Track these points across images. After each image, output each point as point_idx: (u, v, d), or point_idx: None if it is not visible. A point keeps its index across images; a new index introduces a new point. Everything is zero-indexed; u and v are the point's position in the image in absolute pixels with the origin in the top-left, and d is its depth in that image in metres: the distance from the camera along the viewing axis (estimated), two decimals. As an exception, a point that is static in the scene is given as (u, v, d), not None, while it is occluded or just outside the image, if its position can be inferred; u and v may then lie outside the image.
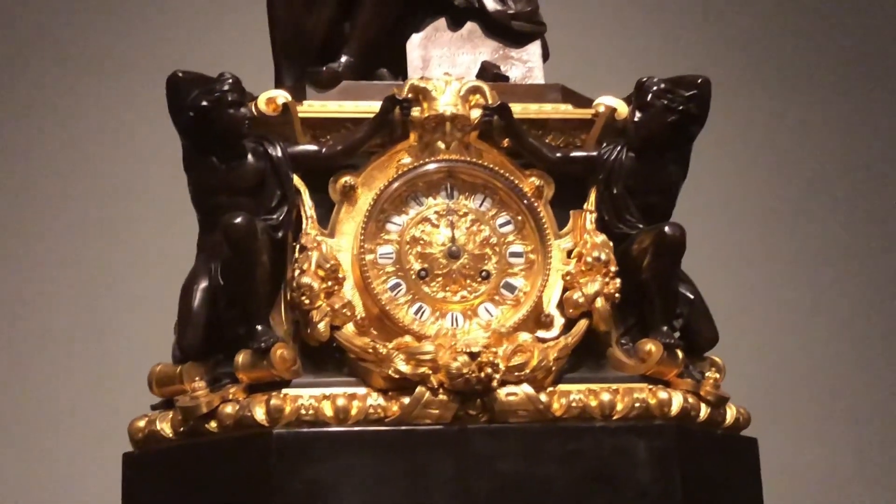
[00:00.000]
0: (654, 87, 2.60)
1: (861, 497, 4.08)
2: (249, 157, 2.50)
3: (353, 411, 2.36)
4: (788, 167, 4.62)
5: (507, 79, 2.75)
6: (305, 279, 2.42)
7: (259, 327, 2.41)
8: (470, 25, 2.83)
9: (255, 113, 2.53)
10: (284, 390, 2.38)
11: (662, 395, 2.47)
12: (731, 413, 2.60)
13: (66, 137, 4.18)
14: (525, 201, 2.55)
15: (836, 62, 4.76)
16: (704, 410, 2.52)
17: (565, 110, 2.66)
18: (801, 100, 4.67)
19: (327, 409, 2.35)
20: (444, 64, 2.77)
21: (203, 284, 2.49)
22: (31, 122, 4.22)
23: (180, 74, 2.51)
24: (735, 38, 4.68)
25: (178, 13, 4.33)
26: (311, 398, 2.36)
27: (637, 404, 2.45)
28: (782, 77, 4.68)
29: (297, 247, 2.49)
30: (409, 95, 2.56)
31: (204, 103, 2.47)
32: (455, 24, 2.83)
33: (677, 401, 2.48)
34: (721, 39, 4.62)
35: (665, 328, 2.55)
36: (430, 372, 2.38)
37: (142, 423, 2.53)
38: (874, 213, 4.72)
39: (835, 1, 4.82)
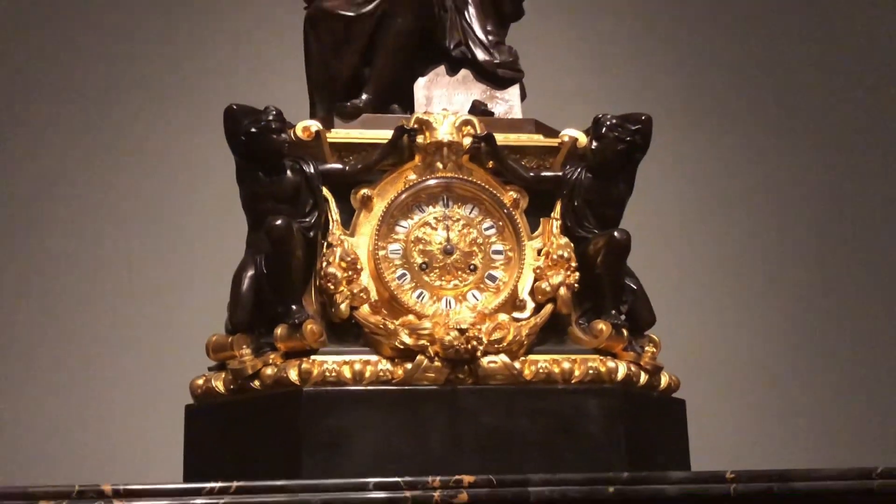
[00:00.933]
0: (608, 122, 2.62)
1: (777, 452, 4.08)
2: (288, 172, 2.51)
3: (367, 374, 2.40)
4: (717, 186, 4.63)
5: (492, 114, 2.76)
6: (331, 269, 2.45)
7: (294, 307, 2.44)
8: (464, 72, 2.83)
9: (293, 138, 2.54)
10: (313, 357, 2.41)
11: (611, 364, 2.49)
12: (665, 379, 2.63)
13: (150, 153, 4.25)
14: (505, 210, 2.57)
15: (755, 105, 4.78)
16: (643, 377, 2.55)
17: (537, 139, 2.68)
18: (731, 130, 4.70)
19: (346, 372, 2.39)
20: (444, 101, 2.77)
21: (250, 273, 2.51)
22: (126, 140, 4.29)
23: (234, 107, 2.53)
24: (675, 80, 4.70)
25: (234, 55, 4.35)
26: (333, 363, 2.39)
27: (591, 371, 2.47)
28: (715, 111, 4.71)
29: (325, 244, 2.51)
30: (415, 126, 2.58)
31: (253, 130, 2.49)
32: (452, 71, 2.83)
33: (622, 369, 2.50)
34: (665, 81, 4.63)
35: (614, 312, 2.56)
36: (428, 344, 2.41)
37: (200, 382, 2.56)
38: (783, 207, 4.72)
39: (761, 55, 4.82)
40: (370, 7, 2.76)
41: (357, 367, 2.40)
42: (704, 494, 2.24)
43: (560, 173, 2.63)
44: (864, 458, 2.85)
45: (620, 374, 2.50)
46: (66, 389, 3.99)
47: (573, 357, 2.50)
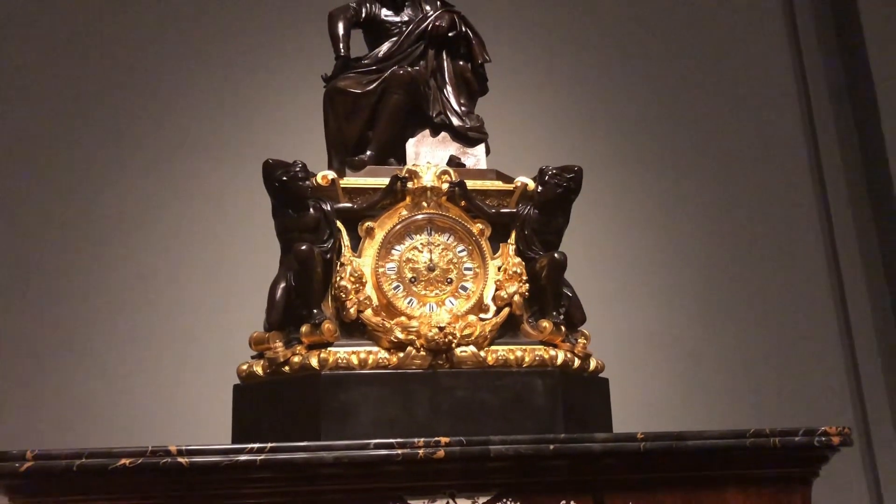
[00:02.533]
0: (549, 172, 2.61)
1: (687, 422, 4.06)
2: (311, 210, 2.49)
3: (370, 361, 2.38)
4: (632, 219, 4.65)
5: (464, 166, 2.75)
6: (343, 283, 2.45)
7: (315, 311, 2.41)
8: (443, 134, 2.81)
9: (315, 184, 2.52)
10: (329, 348, 2.39)
11: (552, 352, 2.48)
12: (593, 363, 2.61)
13: (210, 199, 4.21)
14: (474, 238, 2.57)
15: (687, 145, 4.78)
16: (577, 362, 2.54)
17: (498, 185, 2.66)
18: (642, 175, 4.70)
19: (354, 360, 2.37)
20: (428, 156, 2.76)
21: (282, 285, 2.47)
22: (189, 188, 4.23)
23: (270, 161, 2.50)
24: (607, 129, 4.69)
25: (271, 121, 4.35)
26: (345, 353, 2.37)
27: (537, 358, 2.46)
28: (650, 154, 4.71)
29: (339, 263, 2.49)
30: (406, 175, 2.56)
31: (284, 178, 2.47)
32: (434, 133, 2.82)
33: (561, 356, 2.49)
34: (593, 138, 4.65)
35: (554, 313, 2.55)
36: (415, 338, 2.40)
37: (245, 367, 2.53)
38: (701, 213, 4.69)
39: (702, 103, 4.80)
40: (373, 86, 2.78)
41: (362, 356, 2.39)
42: (621, 450, 2.25)
43: (515, 210, 2.62)
44: (742, 422, 2.84)
45: (559, 360, 2.49)
46: (146, 373, 3.95)
47: (524, 347, 2.49)
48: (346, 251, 2.52)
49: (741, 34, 4.88)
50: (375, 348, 2.42)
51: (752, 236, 4.66)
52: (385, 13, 2.95)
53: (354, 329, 2.45)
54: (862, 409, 4.40)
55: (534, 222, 2.61)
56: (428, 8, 2.95)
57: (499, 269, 2.58)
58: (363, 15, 2.93)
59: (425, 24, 2.89)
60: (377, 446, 2.14)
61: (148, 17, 4.33)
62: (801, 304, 4.60)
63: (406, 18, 2.94)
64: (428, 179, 2.58)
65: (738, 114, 4.82)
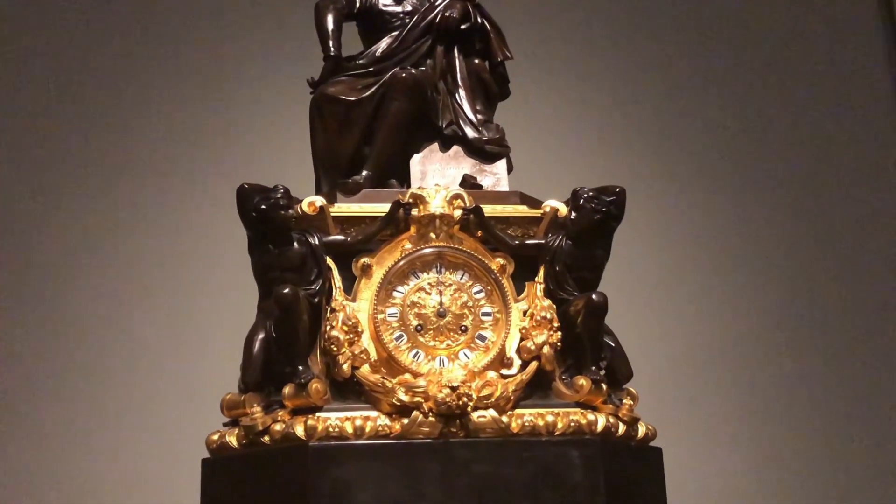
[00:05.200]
0: (585, 195, 2.63)
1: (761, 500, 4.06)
2: (295, 244, 2.52)
3: (367, 429, 2.39)
4: (687, 250, 4.65)
5: (481, 187, 2.77)
6: (334, 332, 2.46)
7: (300, 367, 2.44)
8: (455, 148, 2.85)
9: (300, 212, 2.55)
10: (318, 413, 2.41)
11: (591, 417, 2.48)
12: (642, 429, 2.61)
13: (169, 228, 4.32)
14: (493, 276, 2.58)
15: (729, 169, 4.82)
16: (622, 428, 2.54)
17: (522, 210, 2.68)
18: (700, 198, 4.72)
19: (349, 428, 2.38)
20: (437, 176, 2.79)
21: (261, 336, 2.51)
22: (146, 215, 4.35)
23: (246, 186, 2.54)
24: (657, 141, 4.73)
25: (246, 137, 4.41)
26: (337, 419, 2.39)
27: (572, 424, 2.46)
28: (686, 180, 4.74)
29: (329, 309, 2.51)
30: (410, 200, 2.59)
31: (263, 206, 2.50)
32: (445, 147, 2.85)
33: (602, 421, 2.49)
34: (638, 152, 4.67)
35: (594, 368, 2.56)
36: (423, 400, 2.41)
37: (215, 437, 2.56)
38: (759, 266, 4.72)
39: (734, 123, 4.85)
40: (370, 92, 2.80)
41: (358, 422, 2.40)
42: (678, 539, 2.25)
43: (543, 241, 2.64)
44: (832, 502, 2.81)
45: (600, 426, 2.49)
46: (95, 446, 3.99)
47: (556, 410, 2.50)
48: (338, 294, 2.54)
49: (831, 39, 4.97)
50: (374, 413, 2.44)
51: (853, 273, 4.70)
52: (384, 2, 2.99)
53: (348, 389, 2.48)
54: None
55: (567, 256, 2.63)
56: (436, -6, 2.97)
57: (524, 314, 2.59)
58: (357, 5, 2.97)
59: (433, 14, 2.92)
60: (377, 535, 2.14)
61: (103, 23, 4.48)
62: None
63: (409, 8, 2.98)
64: (437, 205, 2.60)
65: (825, 129, 4.84)
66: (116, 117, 4.39)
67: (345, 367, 2.46)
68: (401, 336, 2.53)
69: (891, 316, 4.69)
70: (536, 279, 2.63)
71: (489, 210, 2.64)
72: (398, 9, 2.96)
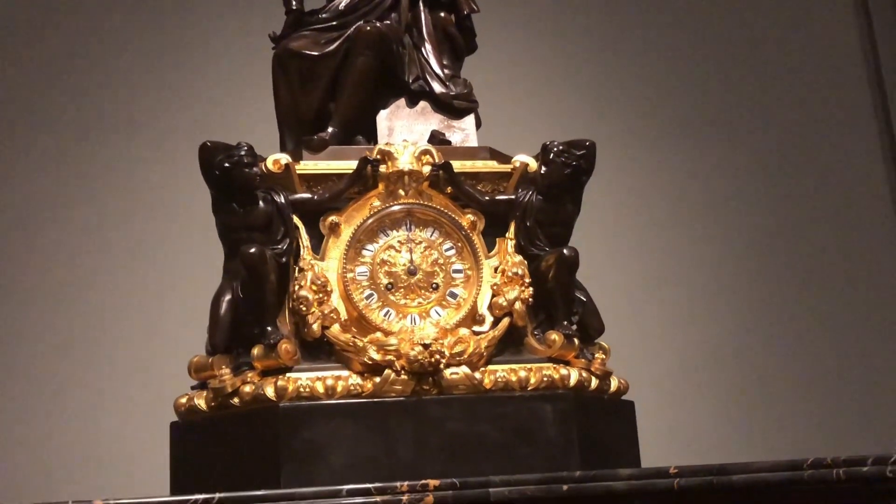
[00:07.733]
0: (555, 149, 2.63)
1: (730, 452, 4.09)
2: (261, 203, 2.51)
3: (339, 389, 2.40)
4: (660, 204, 4.66)
5: (449, 143, 2.77)
6: (303, 292, 2.46)
7: (269, 328, 2.44)
8: (423, 103, 2.84)
9: (265, 170, 2.54)
10: (288, 374, 2.41)
11: (563, 371, 2.52)
12: (614, 383, 2.64)
13: (132, 188, 4.27)
14: (463, 232, 2.59)
15: (699, 123, 4.82)
16: (594, 382, 2.57)
17: (492, 166, 2.69)
18: (669, 152, 4.73)
19: (319, 388, 2.39)
20: (404, 132, 2.77)
21: (227, 297, 2.51)
22: (109, 175, 4.30)
23: (209, 143, 2.53)
24: (617, 104, 4.73)
25: (208, 93, 4.36)
26: (307, 379, 2.39)
27: (545, 379, 2.49)
28: (659, 133, 4.73)
29: (297, 269, 2.51)
30: (378, 157, 2.59)
31: (226, 164, 2.49)
32: (412, 103, 2.84)
33: (574, 376, 2.52)
34: (609, 105, 4.67)
35: (566, 322, 2.57)
36: (395, 359, 2.42)
37: (184, 400, 2.55)
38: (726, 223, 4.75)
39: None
40: (333, 46, 2.78)
41: (329, 382, 2.41)
42: (651, 489, 2.26)
43: (513, 196, 2.65)
44: (797, 453, 2.87)
45: (573, 381, 2.52)
46: (62, 411, 3.97)
47: (529, 366, 2.52)
48: (306, 253, 2.54)
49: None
50: (345, 372, 2.45)
51: (815, 228, 4.75)
52: (346, -48, 2.94)
53: (319, 349, 2.49)
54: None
55: (537, 211, 2.64)
56: (400, -55, 2.93)
57: (495, 270, 2.61)
58: (318, -44, 2.94)
59: (396, -36, 2.88)
60: (351, 493, 2.15)
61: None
62: (872, 311, 4.68)
63: (373, -42, 2.94)
64: (405, 161, 2.60)
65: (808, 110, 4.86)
66: (77, 74, 4.31)
67: (314, 326, 2.46)
68: (371, 295, 2.53)
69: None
70: (507, 235, 2.64)
71: (458, 166, 2.64)
72: (361, -41, 2.92)
